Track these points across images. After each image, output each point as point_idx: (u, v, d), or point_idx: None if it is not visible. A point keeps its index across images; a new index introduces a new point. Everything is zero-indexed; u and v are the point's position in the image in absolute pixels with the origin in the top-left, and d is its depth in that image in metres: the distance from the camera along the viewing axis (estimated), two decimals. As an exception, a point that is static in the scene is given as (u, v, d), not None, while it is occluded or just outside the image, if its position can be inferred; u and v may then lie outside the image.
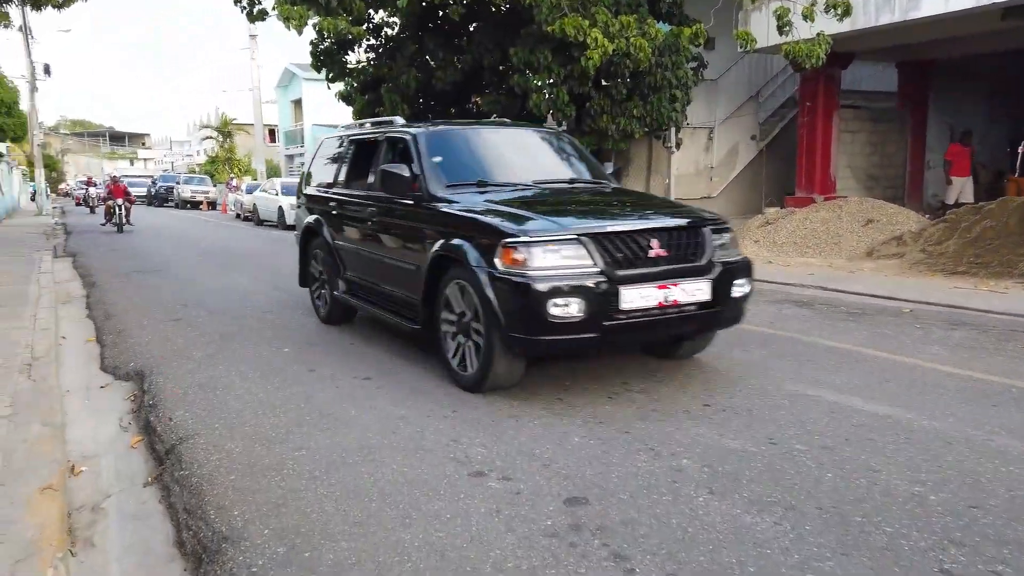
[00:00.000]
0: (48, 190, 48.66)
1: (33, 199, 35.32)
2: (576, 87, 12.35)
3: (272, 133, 53.51)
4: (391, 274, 5.54)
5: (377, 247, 5.74)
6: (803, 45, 10.98)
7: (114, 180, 19.96)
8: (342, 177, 6.55)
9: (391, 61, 14.18)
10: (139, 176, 58.56)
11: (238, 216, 26.30)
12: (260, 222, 21.75)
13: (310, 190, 7.31)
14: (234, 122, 47.51)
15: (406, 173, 5.07)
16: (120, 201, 18.74)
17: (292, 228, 20.11)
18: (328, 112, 28.80)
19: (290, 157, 31.99)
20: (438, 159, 5.30)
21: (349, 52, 14.63)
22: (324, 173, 7.09)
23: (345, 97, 15.63)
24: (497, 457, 3.49)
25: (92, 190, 31.96)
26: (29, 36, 28.13)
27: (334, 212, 6.47)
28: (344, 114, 29.06)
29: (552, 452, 3.54)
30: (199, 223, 24.11)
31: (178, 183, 37.27)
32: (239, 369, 5.18)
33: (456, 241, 4.52)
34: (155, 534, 3.02)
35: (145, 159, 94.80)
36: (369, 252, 5.89)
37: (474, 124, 7.09)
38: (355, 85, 15.04)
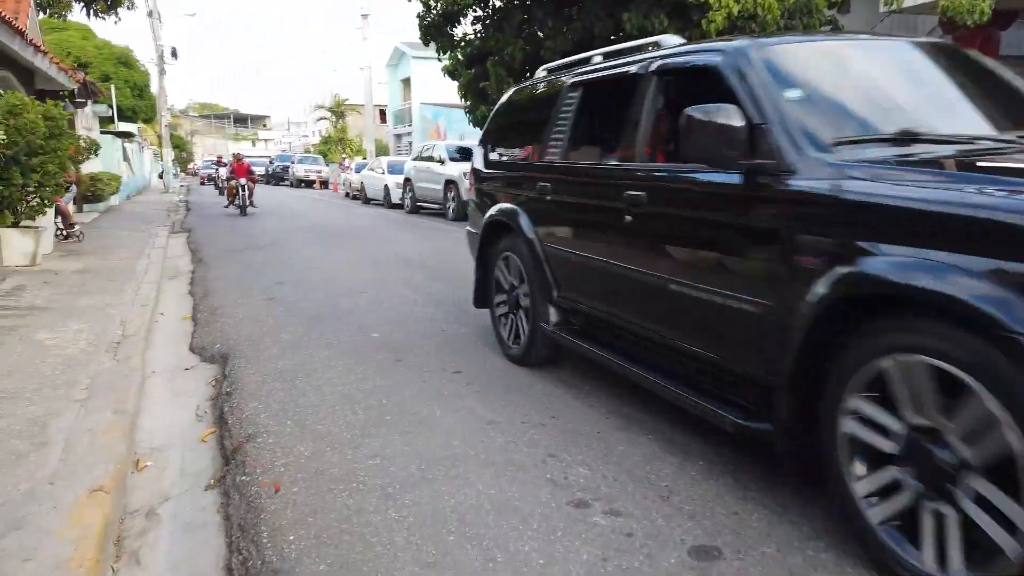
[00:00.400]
0: (177, 169, 51.71)
1: (161, 178, 37.44)
2: (695, 55, 11.38)
3: (383, 113, 54.60)
4: (685, 313, 3.08)
5: (648, 260, 3.32)
6: None
7: (237, 159, 17.87)
8: (559, 141, 4.16)
9: (498, 33, 13.64)
10: (259, 156, 61.29)
11: (347, 195, 26.72)
12: (367, 200, 21.91)
13: (491, 164, 5.17)
14: (346, 103, 48.63)
15: (737, 122, 2.64)
16: (243, 181, 17.11)
17: (398, 207, 20.38)
18: (436, 90, 28.75)
19: (398, 136, 32.30)
20: (796, 94, 2.86)
21: (456, 24, 14.21)
22: (518, 138, 5.01)
23: (451, 72, 15.26)
24: (603, 482, 2.89)
25: (222, 171, 33.33)
26: (157, 20, 29.53)
27: (547, 197, 4.15)
28: (452, 92, 29.03)
29: (672, 479, 2.90)
30: (310, 201, 24.64)
31: (293, 163, 38.49)
32: (323, 355, 4.81)
33: (904, 263, 2.10)
34: (207, 551, 2.62)
35: (265, 140, 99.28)
36: (625, 268, 3.46)
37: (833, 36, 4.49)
38: (460, 59, 14.62)
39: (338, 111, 48.15)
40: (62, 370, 4.39)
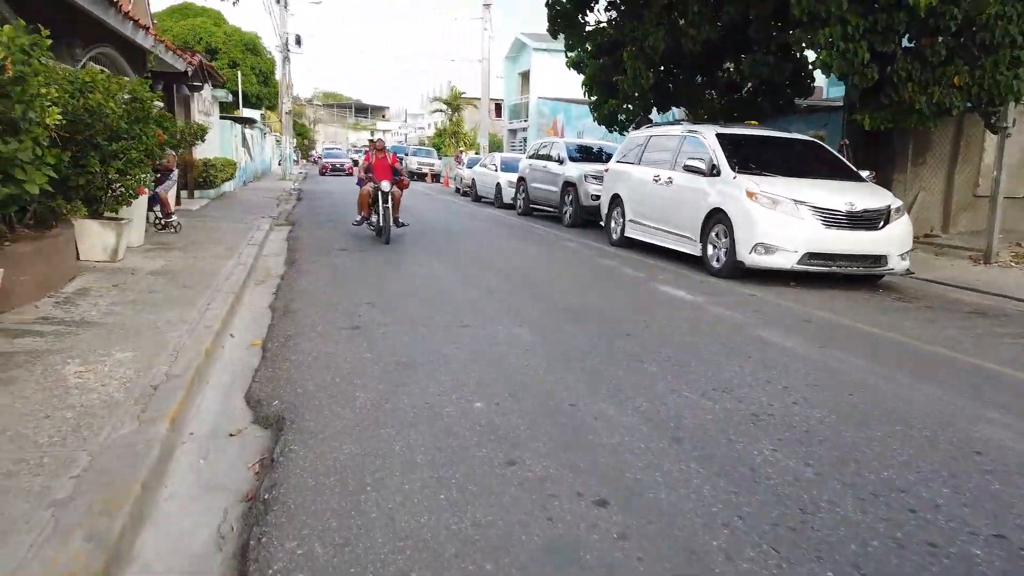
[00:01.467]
0: (298, 156, 52.90)
1: (280, 164, 38.05)
2: (878, 44, 9.38)
3: (498, 108, 53.81)
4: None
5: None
6: None
7: (378, 148, 10.45)
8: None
9: (635, 20, 12.02)
10: (340, 148, 62.25)
11: (457, 190, 25.79)
12: (477, 198, 20.80)
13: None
14: (463, 96, 48.11)
15: None
16: (386, 186, 10.10)
17: (509, 207, 19.07)
18: (555, 85, 27.35)
19: (513, 132, 31.12)
20: None
21: (588, 12, 12.71)
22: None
23: (576, 64, 13.78)
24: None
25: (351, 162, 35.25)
26: (283, 7, 29.64)
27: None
28: (572, 87, 27.53)
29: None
30: (420, 195, 23.85)
31: (407, 155, 38.20)
32: (404, 444, 3.45)
33: None
34: None
35: (384, 131, 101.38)
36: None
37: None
38: (588, 48, 13.11)
39: (454, 104, 47.69)
40: (63, 437, 3.25)
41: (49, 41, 4.94)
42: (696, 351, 5.32)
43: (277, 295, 7.13)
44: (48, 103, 5.09)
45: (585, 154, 14.54)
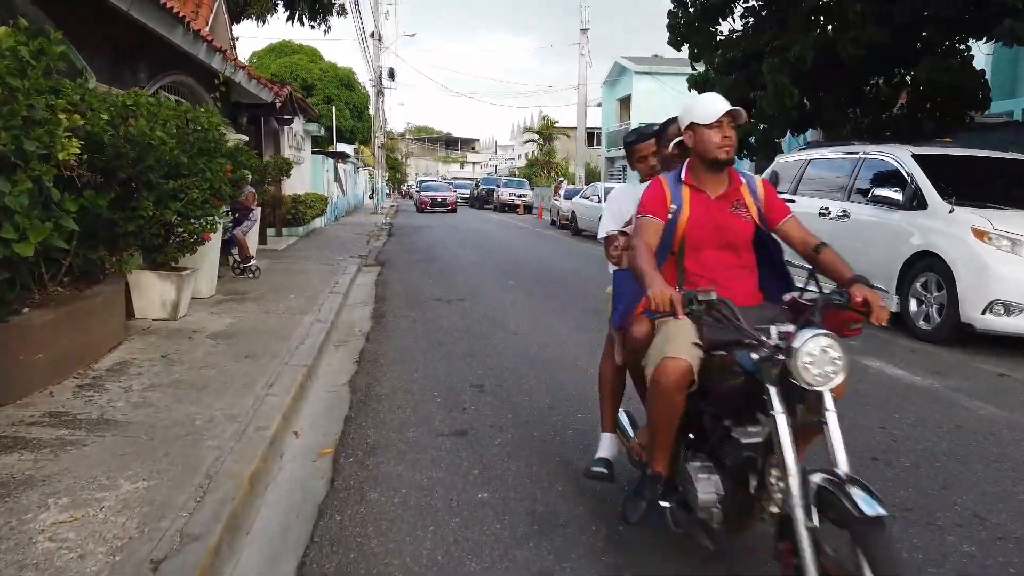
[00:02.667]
0: (390, 190, 53.00)
1: (371, 198, 37.71)
2: None
3: (591, 136, 52.41)
4: None
5: None
6: None
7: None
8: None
9: (778, 28, 10.21)
10: (466, 179, 61.88)
11: (553, 223, 24.29)
12: (578, 232, 19.17)
13: None
14: (555, 125, 46.98)
15: None
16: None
17: None
18: (658, 110, 25.61)
19: (611, 160, 29.44)
20: None
21: (720, 19, 10.99)
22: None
23: (700, 83, 12.03)
24: None
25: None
26: (377, 41, 29.28)
27: None
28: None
29: None
30: (514, 228, 22.49)
31: (498, 186, 37.18)
32: None
33: None
34: None
35: (472, 163, 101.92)
36: None
37: None
38: (716, 63, 11.36)
39: (546, 133, 46.59)
40: None
41: (62, 48, 3.66)
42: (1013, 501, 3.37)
43: (360, 365, 5.68)
44: (65, 132, 3.79)
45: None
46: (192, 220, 6.25)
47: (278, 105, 13.63)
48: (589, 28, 28.01)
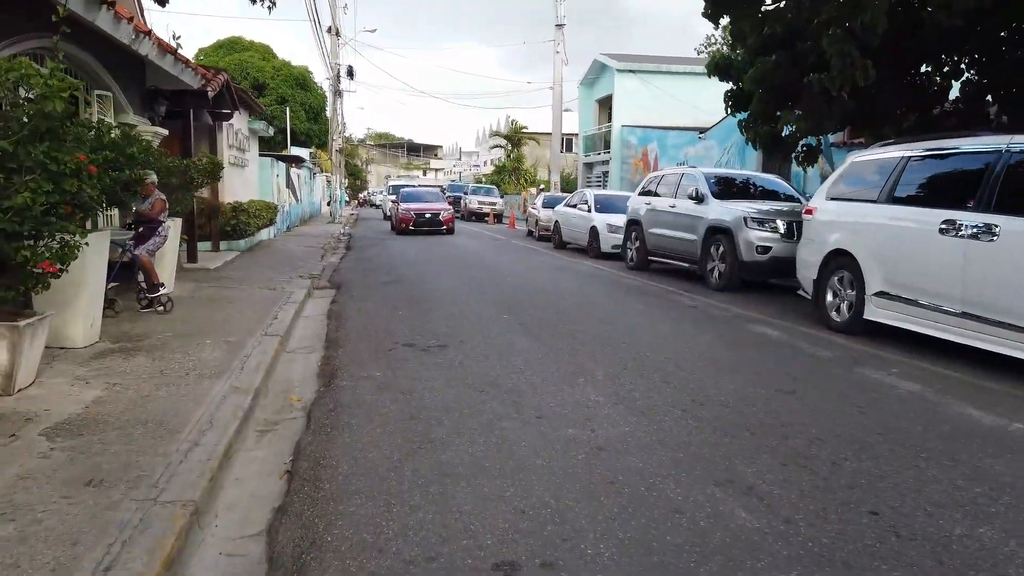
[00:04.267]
0: (348, 198, 50.30)
1: (329, 205, 35.20)
2: None
3: (565, 142, 50.51)
4: None
5: None
6: None
7: None
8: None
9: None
10: (430, 186, 59.40)
11: (530, 233, 22.15)
12: (562, 244, 17.05)
13: None
14: (524, 131, 44.97)
15: None
16: None
17: (609, 257, 15.09)
18: (641, 112, 23.71)
19: (588, 166, 27.42)
20: None
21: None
22: None
23: (723, 67, 10.01)
24: None
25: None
26: (335, 36, 26.87)
27: None
28: (661, 113, 23.88)
29: None
30: (488, 240, 20.28)
31: (466, 193, 34.97)
32: None
33: None
34: None
35: (436, 169, 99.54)
36: None
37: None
38: (747, 42, 9.34)
39: (515, 138, 44.55)
40: None
41: None
42: None
43: (290, 487, 3.42)
44: None
45: (729, 188, 10.68)
46: (23, 242, 3.92)
47: (211, 94, 11.22)
48: (565, 24, 26.03)
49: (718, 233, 9.78)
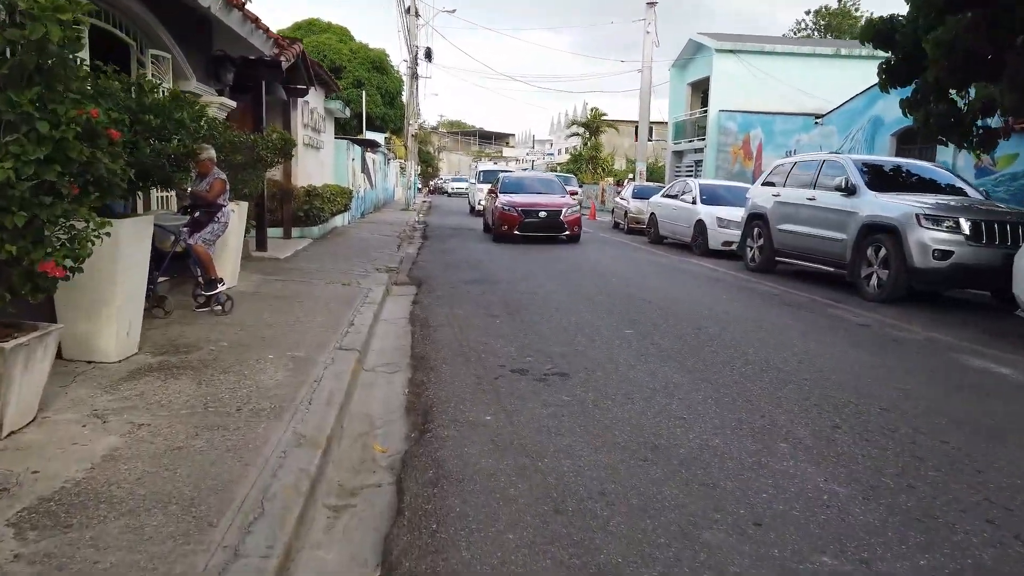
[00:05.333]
0: (420, 185, 49.53)
1: (405, 193, 34.29)
2: None
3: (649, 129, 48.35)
4: None
5: None
6: None
7: None
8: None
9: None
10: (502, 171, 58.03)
11: (616, 226, 20.57)
12: (659, 239, 15.41)
13: None
14: (603, 118, 43.16)
15: None
16: None
17: (717, 255, 11.88)
18: (740, 96, 21.72)
19: (678, 154, 25.51)
20: None
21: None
22: None
23: (882, 33, 8.23)
24: None
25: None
26: (413, 17, 25.76)
27: None
28: (765, 98, 21.72)
29: None
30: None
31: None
32: None
33: None
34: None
35: (507, 158, 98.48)
36: None
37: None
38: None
39: (593, 125, 42.79)
40: None
41: None
42: None
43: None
44: None
45: (883, 178, 8.90)
46: (5, 232, 2.70)
47: (284, 65, 10.10)
48: (657, 1, 24.17)
49: (877, 232, 8.04)
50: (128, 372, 4.27)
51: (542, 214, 14.50)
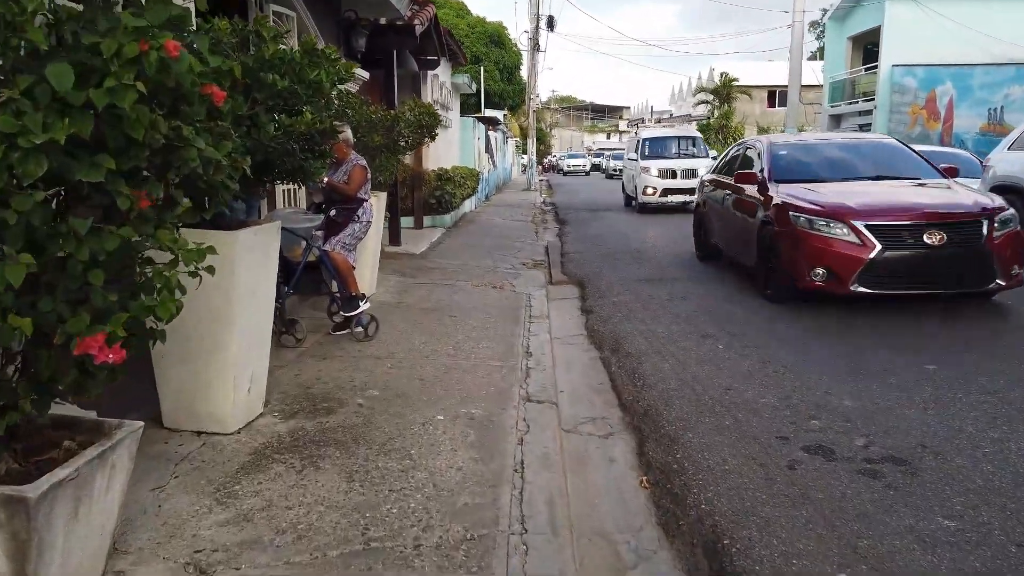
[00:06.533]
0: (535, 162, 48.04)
1: (524, 172, 32.93)
2: None
3: (771, 96, 44.63)
4: None
5: None
6: None
7: None
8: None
9: None
10: (620, 149, 55.47)
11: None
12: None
13: None
14: (734, 83, 39.96)
15: None
16: None
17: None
18: (918, 48, 18.63)
19: (835, 118, 22.50)
20: None
21: None
22: None
23: None
24: None
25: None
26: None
27: None
28: (950, 49, 18.54)
29: None
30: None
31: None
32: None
33: None
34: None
35: (621, 132, 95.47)
36: None
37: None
38: None
39: (723, 91, 39.71)
40: None
41: None
42: None
43: None
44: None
45: None
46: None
47: (418, 30, 8.74)
48: (812, -55, 21.22)
49: None
50: (250, 454, 2.94)
51: (934, 238, 5.32)
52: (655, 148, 15.97)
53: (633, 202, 15.89)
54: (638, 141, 16.60)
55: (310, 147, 3.28)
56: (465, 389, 3.86)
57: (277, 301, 4.28)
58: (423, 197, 11.23)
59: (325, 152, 3.46)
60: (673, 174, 14.94)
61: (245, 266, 3.00)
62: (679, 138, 16.57)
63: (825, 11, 30.17)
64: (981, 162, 9.61)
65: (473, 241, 10.61)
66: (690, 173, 14.49)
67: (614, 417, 3.79)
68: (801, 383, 4.03)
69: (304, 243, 4.61)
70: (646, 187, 14.83)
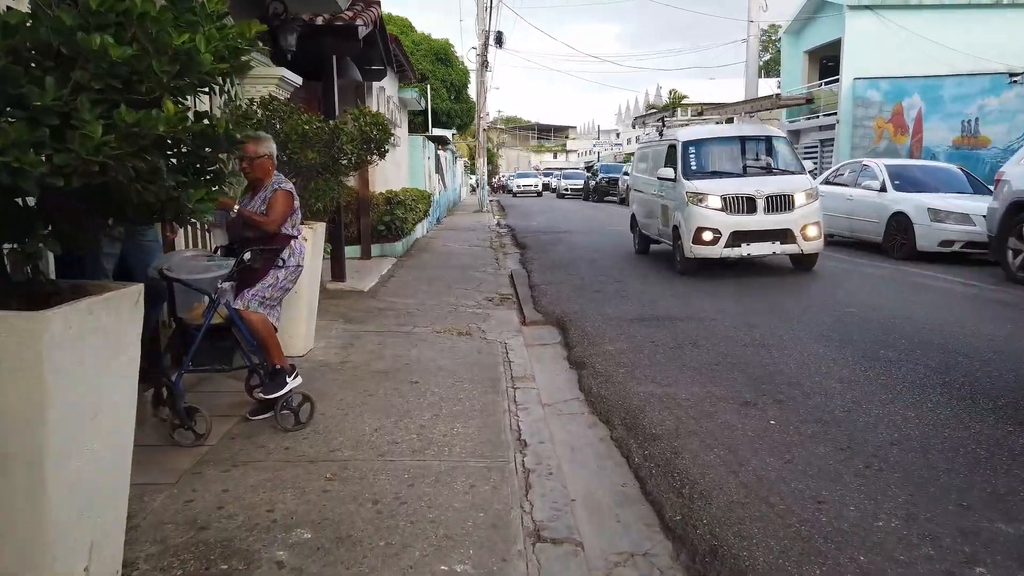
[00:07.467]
0: (485, 182, 46.99)
1: (474, 192, 31.79)
2: None
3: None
4: None
5: None
6: None
7: None
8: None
9: None
10: (571, 168, 54.89)
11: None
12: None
13: None
14: (684, 102, 39.73)
15: None
16: None
17: (930, 258, 7.99)
18: (879, 62, 18.19)
19: (795, 133, 21.94)
20: None
21: None
22: None
23: None
24: None
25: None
26: (485, -6, 23.08)
27: None
28: (911, 64, 18.18)
29: None
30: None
31: (626, 174, 30.45)
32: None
33: None
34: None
35: (568, 151, 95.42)
36: None
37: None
38: None
39: (672, 109, 39.39)
40: None
41: None
42: None
43: None
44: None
45: None
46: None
47: (361, 32, 7.50)
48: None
49: None
50: None
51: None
52: (706, 158, 9.14)
53: (670, 254, 9.49)
54: (673, 147, 9.36)
55: (188, 164, 2.02)
56: (440, 520, 2.60)
57: (165, 381, 2.98)
58: (370, 223, 9.92)
59: (218, 174, 2.18)
60: (750, 206, 8.36)
61: (65, 370, 1.71)
62: (749, 139, 9.39)
63: (775, 27, 30.06)
64: (970, 174, 8.86)
65: (429, 273, 9.34)
66: (781, 203, 8.36)
67: (660, 553, 2.59)
68: (908, 482, 2.90)
69: (206, 299, 3.30)
70: (701, 229, 8.33)
